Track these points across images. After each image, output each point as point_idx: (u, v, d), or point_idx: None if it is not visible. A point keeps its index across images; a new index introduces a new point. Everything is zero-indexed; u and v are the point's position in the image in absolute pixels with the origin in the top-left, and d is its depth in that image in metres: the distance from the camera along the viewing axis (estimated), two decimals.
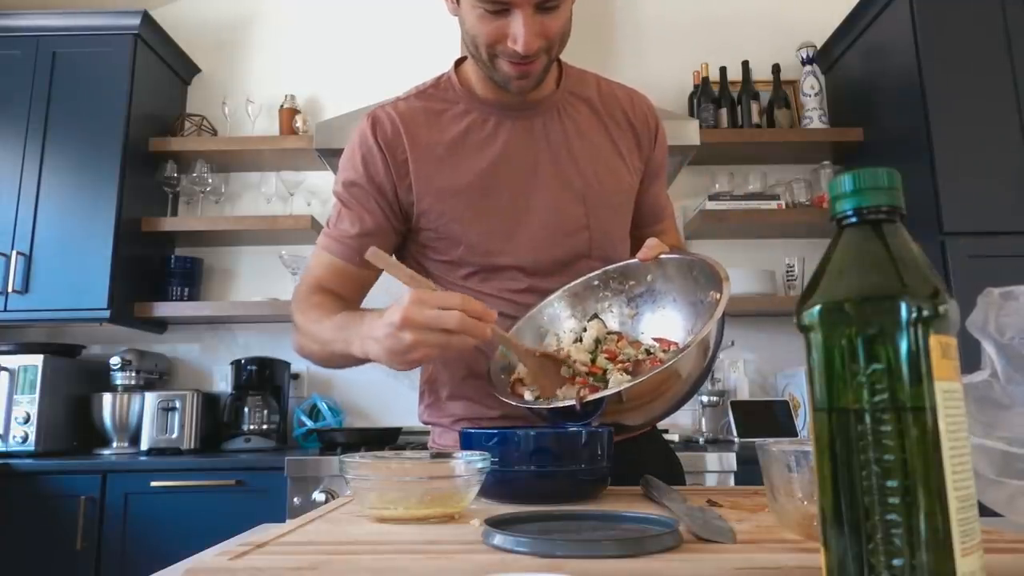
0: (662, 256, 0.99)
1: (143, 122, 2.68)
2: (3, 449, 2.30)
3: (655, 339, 0.97)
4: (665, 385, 0.85)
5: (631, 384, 0.81)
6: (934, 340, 0.37)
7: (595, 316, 1.02)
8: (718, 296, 0.88)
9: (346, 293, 1.07)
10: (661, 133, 1.18)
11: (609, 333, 0.99)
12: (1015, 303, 0.65)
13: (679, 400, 0.89)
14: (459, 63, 1.12)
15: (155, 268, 2.74)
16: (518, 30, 0.93)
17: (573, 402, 0.82)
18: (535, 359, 0.93)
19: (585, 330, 0.99)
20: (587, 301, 1.04)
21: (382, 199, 1.05)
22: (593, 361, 0.93)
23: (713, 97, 2.83)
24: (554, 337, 1.02)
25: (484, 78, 1.06)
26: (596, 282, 1.04)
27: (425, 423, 1.17)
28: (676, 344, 0.95)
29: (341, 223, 1.07)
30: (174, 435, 2.43)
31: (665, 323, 1.00)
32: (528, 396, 0.92)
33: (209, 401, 2.59)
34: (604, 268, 1.04)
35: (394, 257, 0.95)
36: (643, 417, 0.91)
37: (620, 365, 0.91)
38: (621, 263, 1.04)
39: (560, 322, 1.04)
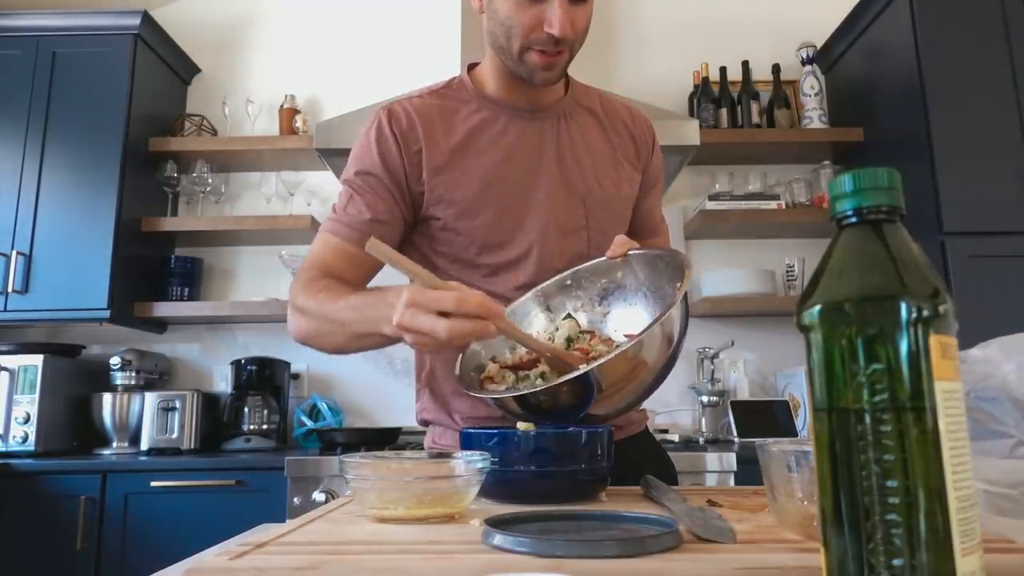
0: (630, 252, 1.01)
1: (143, 122, 2.68)
2: (3, 449, 2.30)
3: (627, 335, 0.97)
4: (632, 375, 0.85)
5: (597, 363, 0.79)
6: (934, 340, 0.37)
7: (568, 316, 1.03)
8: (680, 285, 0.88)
9: (352, 278, 1.05)
10: (657, 148, 1.22)
11: (581, 332, 1.00)
12: (964, 365, 0.66)
13: (645, 390, 0.89)
14: (471, 68, 1.15)
15: (155, 268, 2.74)
16: (554, 14, 0.97)
17: (534, 390, 0.82)
18: (546, 357, 0.92)
19: (557, 329, 1.00)
20: (559, 301, 1.05)
21: (395, 188, 1.06)
22: None
23: (713, 97, 2.83)
24: None
25: (499, 79, 1.10)
26: (568, 281, 1.05)
27: (424, 422, 1.16)
28: None
29: (352, 208, 1.06)
30: (174, 435, 2.43)
31: (637, 319, 1.01)
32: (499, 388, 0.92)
33: (209, 401, 2.59)
34: (575, 268, 1.05)
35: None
36: (610, 407, 0.89)
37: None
38: (591, 262, 1.05)
39: (531, 322, 1.04)
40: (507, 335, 0.84)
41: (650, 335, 0.82)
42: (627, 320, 1.02)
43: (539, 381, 0.89)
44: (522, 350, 0.97)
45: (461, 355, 0.99)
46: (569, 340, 0.97)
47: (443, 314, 0.75)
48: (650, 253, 1.02)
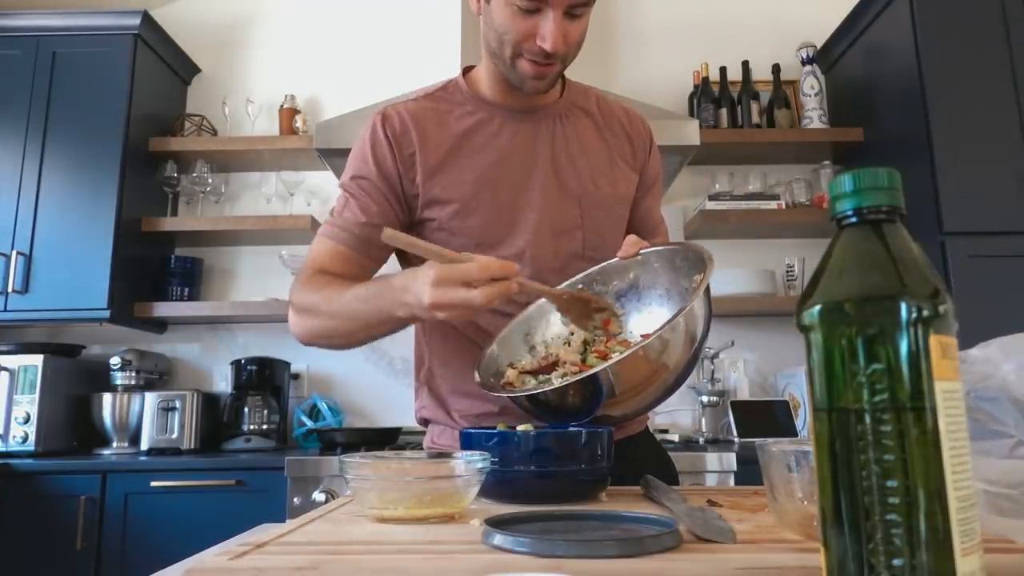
0: (643, 251, 1.00)
1: (143, 122, 2.68)
2: (3, 449, 2.30)
3: (643, 336, 0.97)
4: (654, 375, 0.85)
5: (620, 358, 0.79)
6: (934, 340, 0.36)
7: None
8: (701, 277, 0.88)
9: (348, 280, 1.06)
10: (655, 148, 1.23)
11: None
12: (964, 365, 0.67)
13: (666, 390, 0.88)
14: (466, 71, 1.16)
15: (155, 268, 2.74)
16: (547, 29, 0.98)
17: (558, 385, 0.82)
18: (564, 300, 0.98)
19: (572, 333, 0.99)
20: None
21: (389, 192, 1.08)
22: (583, 361, 0.93)
23: (713, 97, 2.83)
24: (541, 343, 1.02)
25: (494, 82, 1.10)
26: (580, 285, 1.05)
27: (424, 420, 1.17)
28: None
29: (346, 212, 1.08)
30: (174, 435, 2.43)
31: (652, 319, 1.00)
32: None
33: (209, 401, 2.59)
34: (587, 271, 1.05)
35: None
36: (630, 408, 0.90)
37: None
38: (602, 264, 1.04)
39: (547, 326, 1.03)
40: (526, 289, 0.90)
41: (670, 331, 0.81)
42: (644, 319, 1.01)
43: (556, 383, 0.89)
44: (539, 354, 0.99)
45: (477, 363, 0.99)
46: (585, 343, 0.96)
47: (468, 284, 0.81)
48: (666, 249, 1.00)
